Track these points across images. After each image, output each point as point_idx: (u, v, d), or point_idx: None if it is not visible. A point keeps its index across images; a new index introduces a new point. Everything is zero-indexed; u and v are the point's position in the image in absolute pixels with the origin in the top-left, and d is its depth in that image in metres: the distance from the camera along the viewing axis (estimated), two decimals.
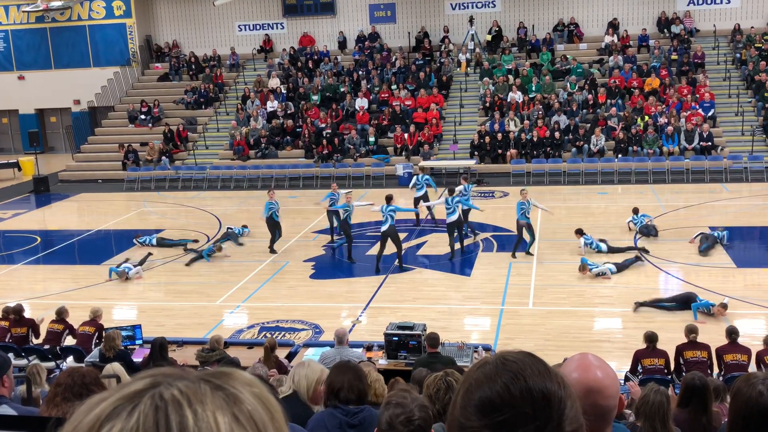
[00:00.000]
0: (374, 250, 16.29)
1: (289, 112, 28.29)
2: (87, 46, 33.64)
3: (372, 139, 26.33)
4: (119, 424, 0.89)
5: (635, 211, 17.78)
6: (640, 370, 9.60)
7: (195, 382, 0.95)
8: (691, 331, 9.71)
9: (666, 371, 9.58)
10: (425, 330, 9.83)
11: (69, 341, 11.62)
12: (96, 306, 11.96)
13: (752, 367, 9.17)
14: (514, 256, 16.10)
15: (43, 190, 26.45)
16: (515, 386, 1.24)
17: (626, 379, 9.27)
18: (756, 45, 27.38)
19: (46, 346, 11.35)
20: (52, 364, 10.84)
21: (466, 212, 17.24)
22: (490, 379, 1.26)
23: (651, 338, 9.71)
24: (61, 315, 11.73)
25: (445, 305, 13.83)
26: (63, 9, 32.81)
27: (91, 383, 3.60)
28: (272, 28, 32.72)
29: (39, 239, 20.20)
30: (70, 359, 11.07)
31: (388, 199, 15.79)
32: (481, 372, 1.29)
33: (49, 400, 3.89)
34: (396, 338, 9.81)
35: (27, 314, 12.22)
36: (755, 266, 15.48)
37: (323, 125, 27.13)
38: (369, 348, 10.37)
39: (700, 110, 25.07)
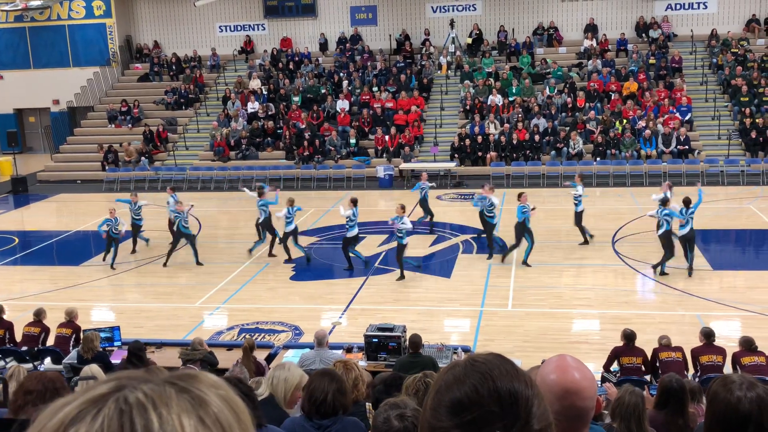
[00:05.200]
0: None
1: (270, 113, 28.21)
2: (66, 45, 33.33)
3: (353, 140, 26.32)
4: (84, 427, 0.89)
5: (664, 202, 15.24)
6: (618, 369, 9.71)
7: (160, 385, 0.94)
8: (664, 337, 9.94)
9: (643, 369, 9.70)
10: (405, 331, 9.85)
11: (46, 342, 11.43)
12: (71, 307, 11.70)
13: (727, 368, 9.27)
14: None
15: (21, 191, 26.20)
16: (483, 387, 1.26)
17: (603, 380, 9.35)
18: (732, 50, 27.70)
19: (24, 348, 11.20)
20: (29, 365, 10.72)
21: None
22: (460, 381, 1.29)
23: (629, 336, 9.82)
24: (39, 317, 11.45)
25: (425, 307, 13.86)
26: (42, 8, 32.47)
27: (61, 388, 3.52)
28: (253, 29, 32.61)
29: (17, 240, 20.01)
30: (47, 360, 10.96)
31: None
32: (450, 374, 1.32)
33: (18, 408, 3.72)
34: (376, 340, 9.82)
35: (5, 316, 11.94)
36: (730, 269, 15.67)
37: (303, 126, 27.09)
38: (349, 350, 10.35)
39: (677, 114, 25.32)
